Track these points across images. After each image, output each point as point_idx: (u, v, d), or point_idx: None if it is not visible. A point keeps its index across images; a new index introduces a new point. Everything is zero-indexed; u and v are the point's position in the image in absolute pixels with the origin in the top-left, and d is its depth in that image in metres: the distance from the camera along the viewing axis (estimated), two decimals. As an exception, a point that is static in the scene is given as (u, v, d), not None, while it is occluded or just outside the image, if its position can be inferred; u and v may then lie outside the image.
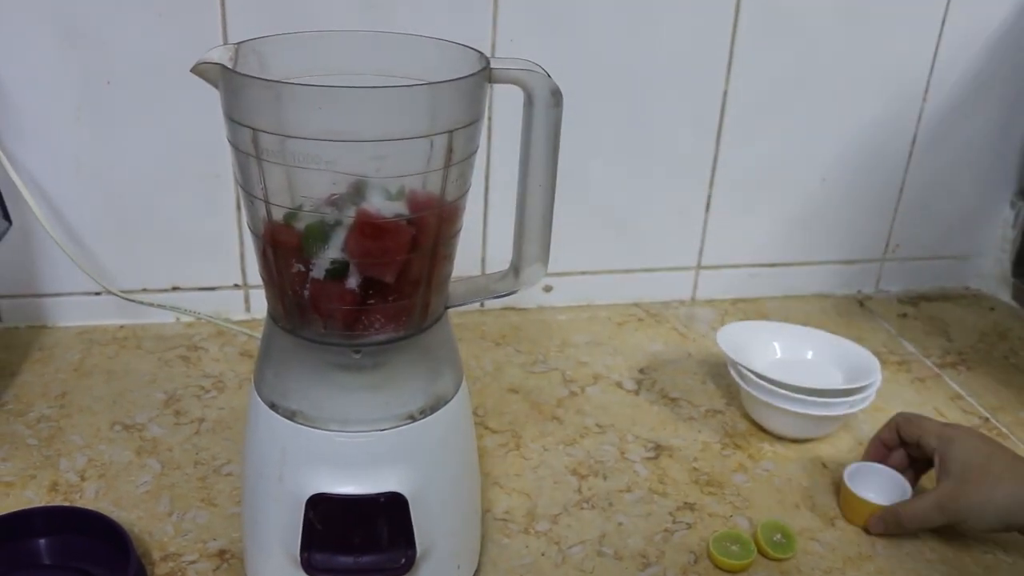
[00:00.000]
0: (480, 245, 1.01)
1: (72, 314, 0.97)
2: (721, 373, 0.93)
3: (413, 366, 0.57)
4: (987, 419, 0.90)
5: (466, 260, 1.01)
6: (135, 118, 0.89)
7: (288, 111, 0.49)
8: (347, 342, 0.55)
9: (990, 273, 1.17)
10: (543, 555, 0.70)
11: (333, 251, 0.52)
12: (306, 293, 0.54)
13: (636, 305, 1.09)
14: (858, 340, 0.91)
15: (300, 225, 0.52)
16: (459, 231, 0.57)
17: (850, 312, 1.11)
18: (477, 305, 1.05)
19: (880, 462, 0.77)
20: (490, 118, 0.94)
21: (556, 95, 0.55)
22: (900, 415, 0.78)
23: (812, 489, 0.78)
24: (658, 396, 0.91)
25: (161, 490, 0.74)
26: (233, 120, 0.51)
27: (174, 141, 0.91)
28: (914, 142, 1.07)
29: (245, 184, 0.53)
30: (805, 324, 0.94)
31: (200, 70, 0.51)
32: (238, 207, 0.94)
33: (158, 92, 0.88)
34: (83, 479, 0.75)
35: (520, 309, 1.06)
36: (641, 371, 0.95)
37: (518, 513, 0.74)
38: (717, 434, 0.85)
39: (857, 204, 1.09)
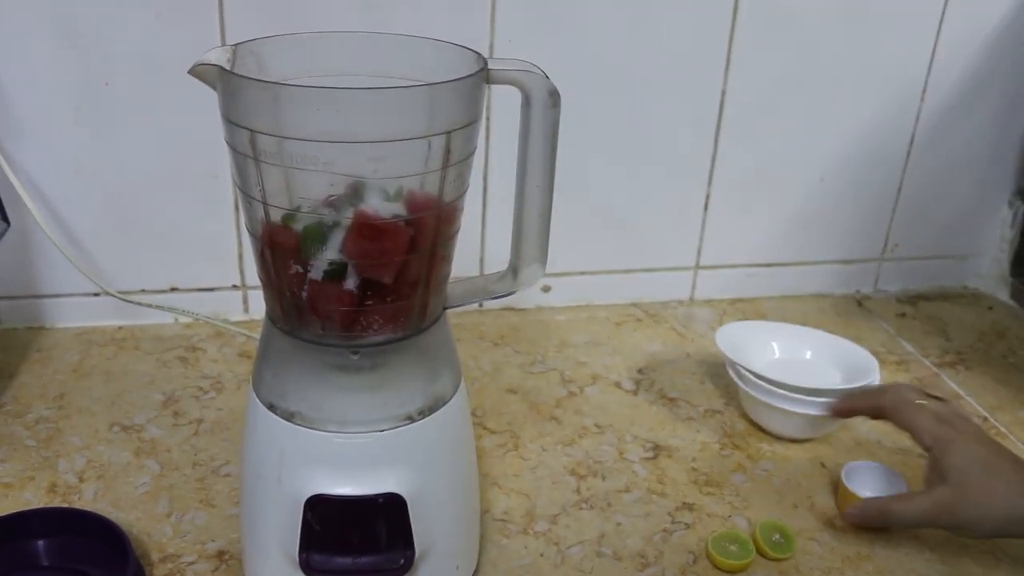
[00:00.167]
0: (479, 246, 1.01)
1: (70, 315, 0.97)
2: (720, 373, 0.93)
3: (411, 367, 0.57)
4: (986, 418, 0.90)
5: (465, 261, 1.01)
6: (134, 119, 0.89)
7: (286, 112, 0.49)
8: (345, 343, 0.55)
9: (988, 273, 1.17)
10: (542, 555, 0.70)
11: (331, 252, 0.52)
12: (304, 294, 0.54)
13: (635, 305, 1.09)
14: (857, 340, 0.91)
15: (298, 226, 0.52)
16: (457, 232, 0.57)
17: (848, 312, 1.11)
18: (476, 305, 1.05)
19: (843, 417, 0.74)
20: (488, 119, 0.94)
21: (554, 95, 0.55)
22: (893, 395, 0.73)
23: (811, 489, 0.78)
24: (657, 396, 0.91)
25: (160, 491, 0.74)
26: (231, 121, 0.51)
27: (173, 142, 0.91)
28: (912, 142, 1.07)
29: (243, 185, 0.53)
30: (803, 324, 0.94)
31: (198, 71, 0.51)
32: (236, 208, 0.94)
33: (157, 93, 0.88)
34: (81, 480, 0.75)
35: (519, 309, 1.06)
36: (640, 371, 0.95)
37: (517, 513, 0.74)
38: (716, 434, 0.85)
39: (855, 204, 1.09)
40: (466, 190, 0.56)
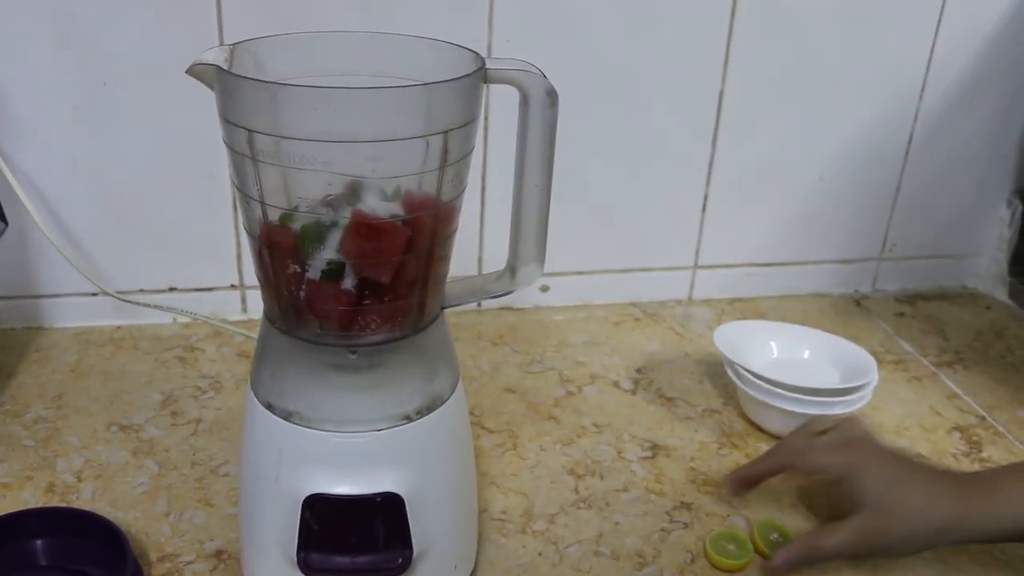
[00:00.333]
0: (477, 245, 1.01)
1: (69, 315, 0.97)
2: (718, 373, 0.93)
3: (409, 366, 0.57)
4: (983, 417, 0.90)
5: (463, 260, 1.01)
6: (132, 119, 0.89)
7: (283, 112, 0.49)
8: (343, 343, 0.55)
9: (987, 272, 1.17)
10: (540, 555, 0.70)
11: (329, 252, 0.52)
12: (302, 294, 0.54)
13: (633, 305, 1.09)
14: (855, 339, 0.91)
15: (296, 226, 0.52)
16: (455, 231, 0.57)
17: (847, 311, 1.11)
18: (474, 305, 1.05)
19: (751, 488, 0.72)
20: (487, 118, 0.94)
21: (551, 95, 0.55)
22: (787, 446, 0.73)
23: (809, 488, 0.78)
24: (655, 396, 0.91)
25: (158, 491, 0.74)
26: (228, 121, 0.51)
27: (171, 142, 0.91)
28: (910, 141, 1.07)
29: (241, 185, 0.53)
30: (802, 323, 0.95)
31: (195, 71, 0.51)
32: (235, 208, 0.94)
33: (155, 93, 0.88)
34: (80, 480, 0.75)
35: (517, 309, 1.06)
36: (638, 371, 0.95)
37: (515, 513, 0.74)
38: (714, 433, 0.86)
39: (854, 204, 1.09)
40: (464, 189, 0.56)
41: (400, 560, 0.57)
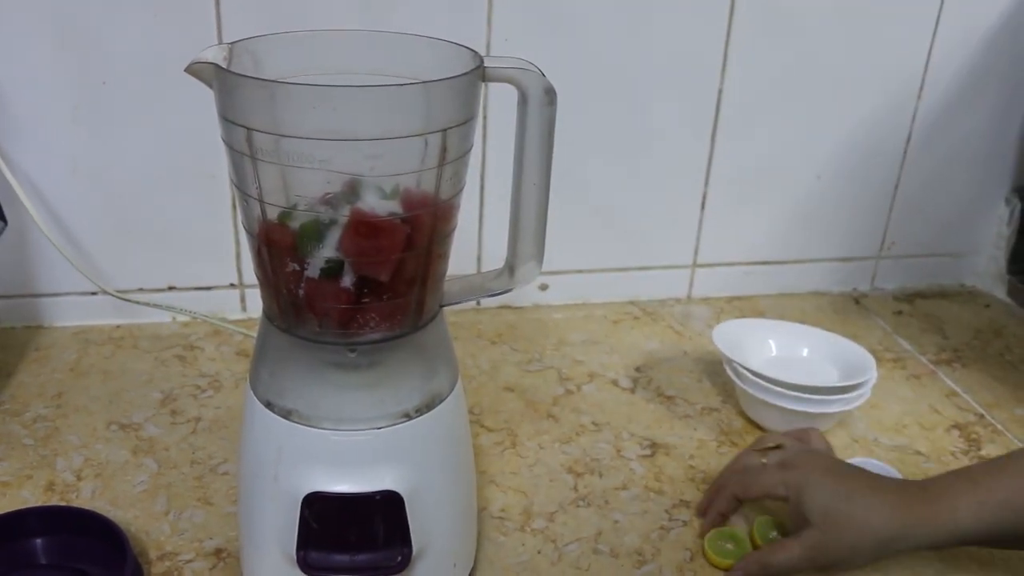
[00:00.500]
0: (476, 243, 1.01)
1: (68, 314, 0.97)
2: (717, 371, 0.93)
3: (408, 365, 0.57)
4: (982, 415, 0.90)
5: (462, 258, 1.01)
6: (131, 118, 0.89)
7: (282, 110, 0.49)
8: (342, 341, 0.55)
9: (985, 270, 1.17)
10: (539, 553, 0.70)
11: (328, 250, 0.52)
12: (301, 292, 0.54)
13: (632, 303, 1.09)
14: (854, 337, 0.91)
15: (295, 224, 0.52)
16: (454, 229, 0.57)
17: (846, 309, 1.11)
18: (473, 304, 1.05)
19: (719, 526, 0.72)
20: (485, 117, 0.94)
21: (550, 93, 0.55)
22: (732, 474, 0.73)
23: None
24: (654, 394, 0.91)
25: (158, 489, 0.75)
26: (227, 120, 0.51)
27: (170, 141, 0.91)
28: (909, 140, 1.07)
29: (240, 183, 0.53)
30: (801, 322, 0.95)
31: (194, 70, 0.52)
32: (234, 207, 0.95)
33: (154, 92, 0.88)
34: (79, 479, 0.75)
35: (516, 307, 1.07)
36: (637, 369, 0.95)
37: (514, 511, 0.74)
38: (713, 432, 0.86)
39: (853, 202, 1.10)
40: (463, 188, 0.56)
41: (399, 558, 0.57)
